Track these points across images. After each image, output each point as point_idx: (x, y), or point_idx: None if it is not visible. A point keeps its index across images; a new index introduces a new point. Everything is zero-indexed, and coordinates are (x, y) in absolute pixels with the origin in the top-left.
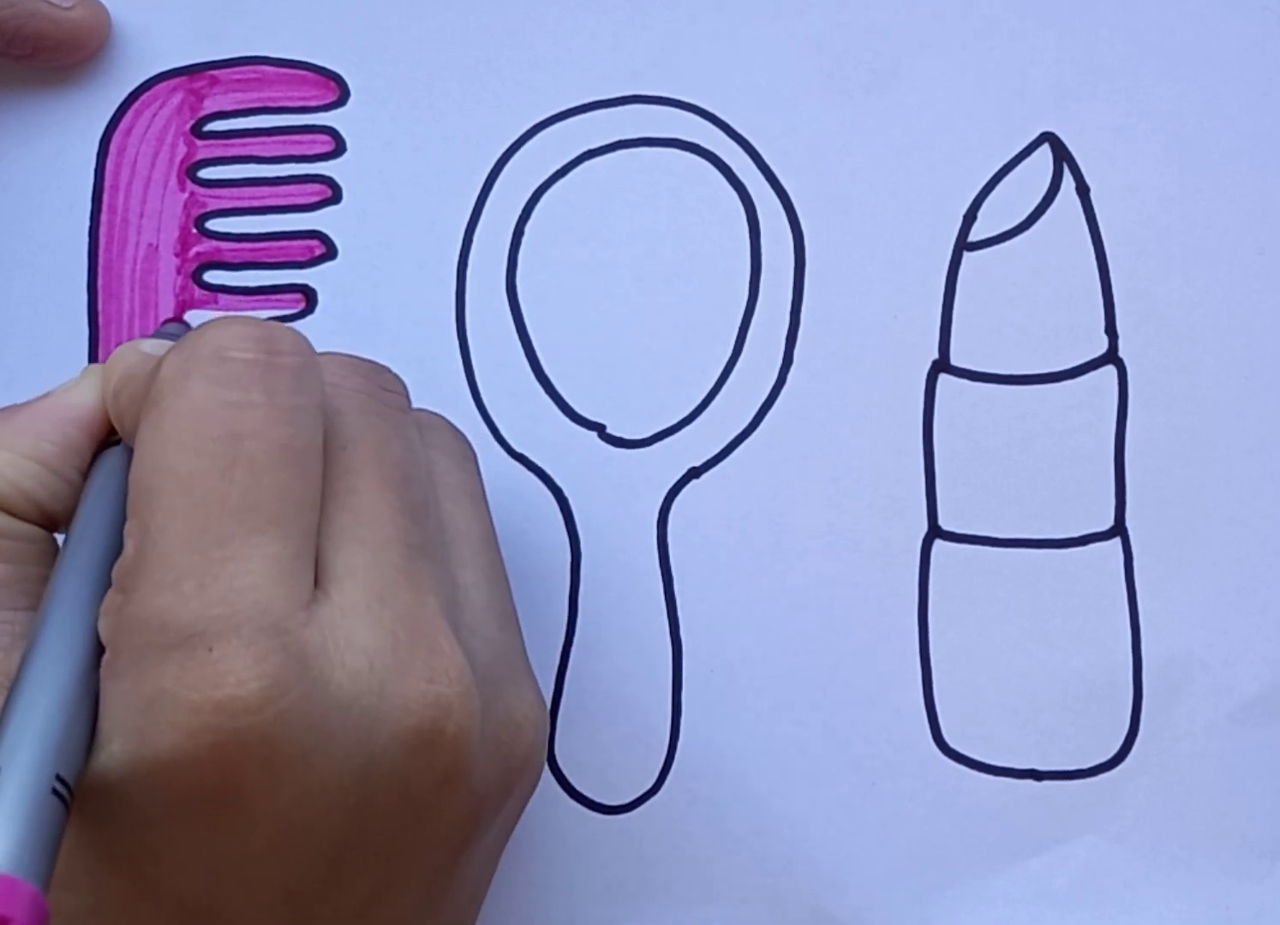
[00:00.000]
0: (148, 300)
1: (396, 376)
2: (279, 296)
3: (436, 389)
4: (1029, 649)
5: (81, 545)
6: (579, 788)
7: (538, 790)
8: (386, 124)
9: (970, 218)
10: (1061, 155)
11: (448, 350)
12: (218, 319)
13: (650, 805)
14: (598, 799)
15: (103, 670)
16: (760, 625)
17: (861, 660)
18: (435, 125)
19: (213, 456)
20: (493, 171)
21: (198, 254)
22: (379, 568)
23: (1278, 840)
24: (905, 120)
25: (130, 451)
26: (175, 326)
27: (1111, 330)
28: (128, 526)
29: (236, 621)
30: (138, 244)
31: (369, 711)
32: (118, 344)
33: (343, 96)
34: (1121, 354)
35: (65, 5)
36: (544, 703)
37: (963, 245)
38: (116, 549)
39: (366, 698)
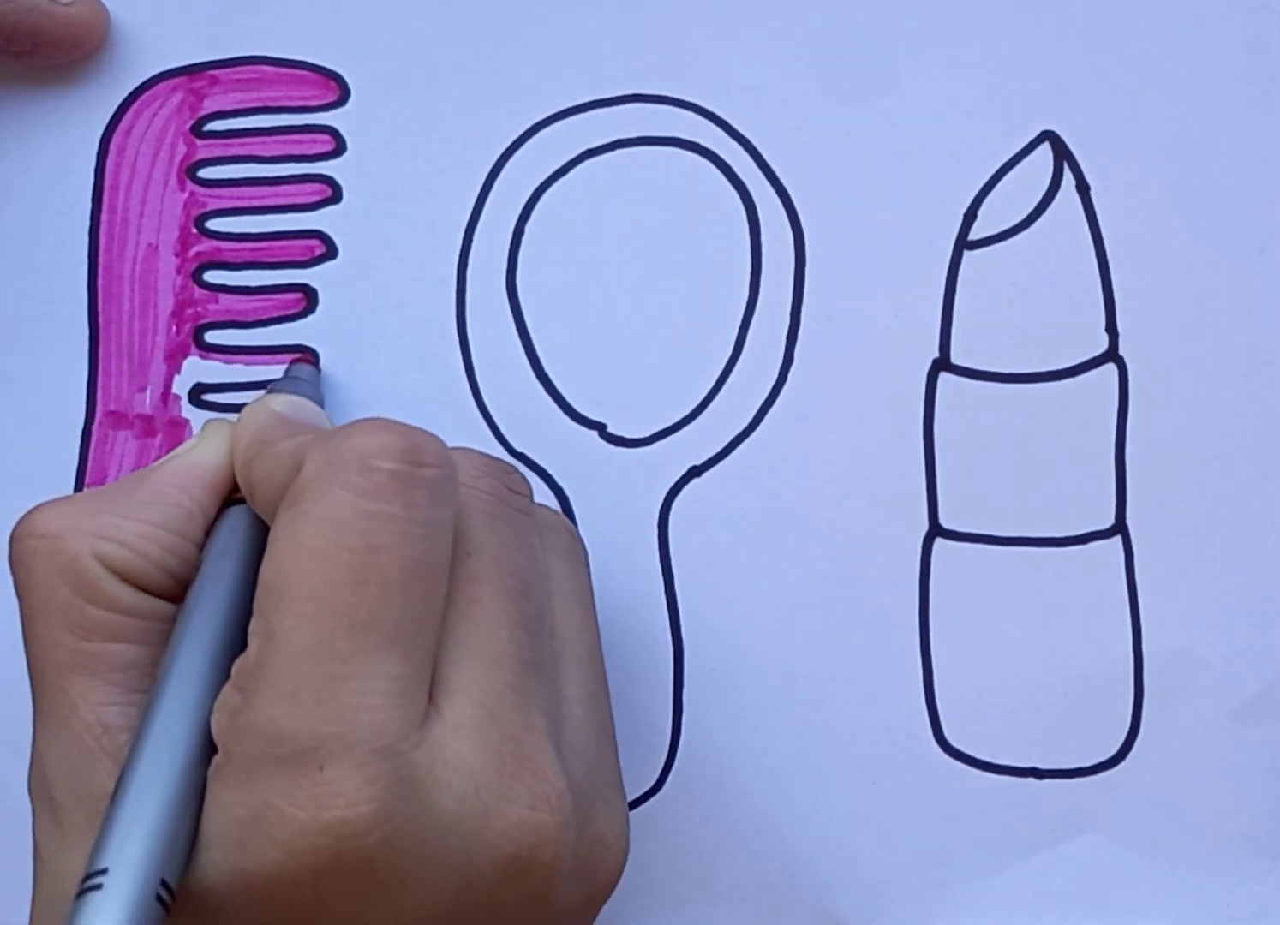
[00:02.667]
0: (148, 300)
1: (524, 478)
2: (279, 296)
3: (437, 389)
4: (1030, 647)
5: (200, 620)
6: None
7: None
8: (386, 124)
9: (970, 216)
10: (1062, 153)
11: (448, 349)
12: (365, 423)
13: (651, 804)
14: None
15: (211, 771)
16: (761, 624)
17: (862, 659)
18: (435, 125)
19: (347, 568)
20: (493, 171)
21: (198, 254)
22: (491, 684)
23: (1278, 839)
24: (905, 119)
25: (253, 514)
26: (304, 369)
27: (1112, 328)
28: (253, 625)
29: (350, 741)
30: (138, 244)
31: (470, 835)
32: (118, 344)
33: (343, 96)
34: (1122, 352)
35: (64, 2)
36: (628, 818)
37: (963, 244)
38: (234, 629)
39: (469, 821)
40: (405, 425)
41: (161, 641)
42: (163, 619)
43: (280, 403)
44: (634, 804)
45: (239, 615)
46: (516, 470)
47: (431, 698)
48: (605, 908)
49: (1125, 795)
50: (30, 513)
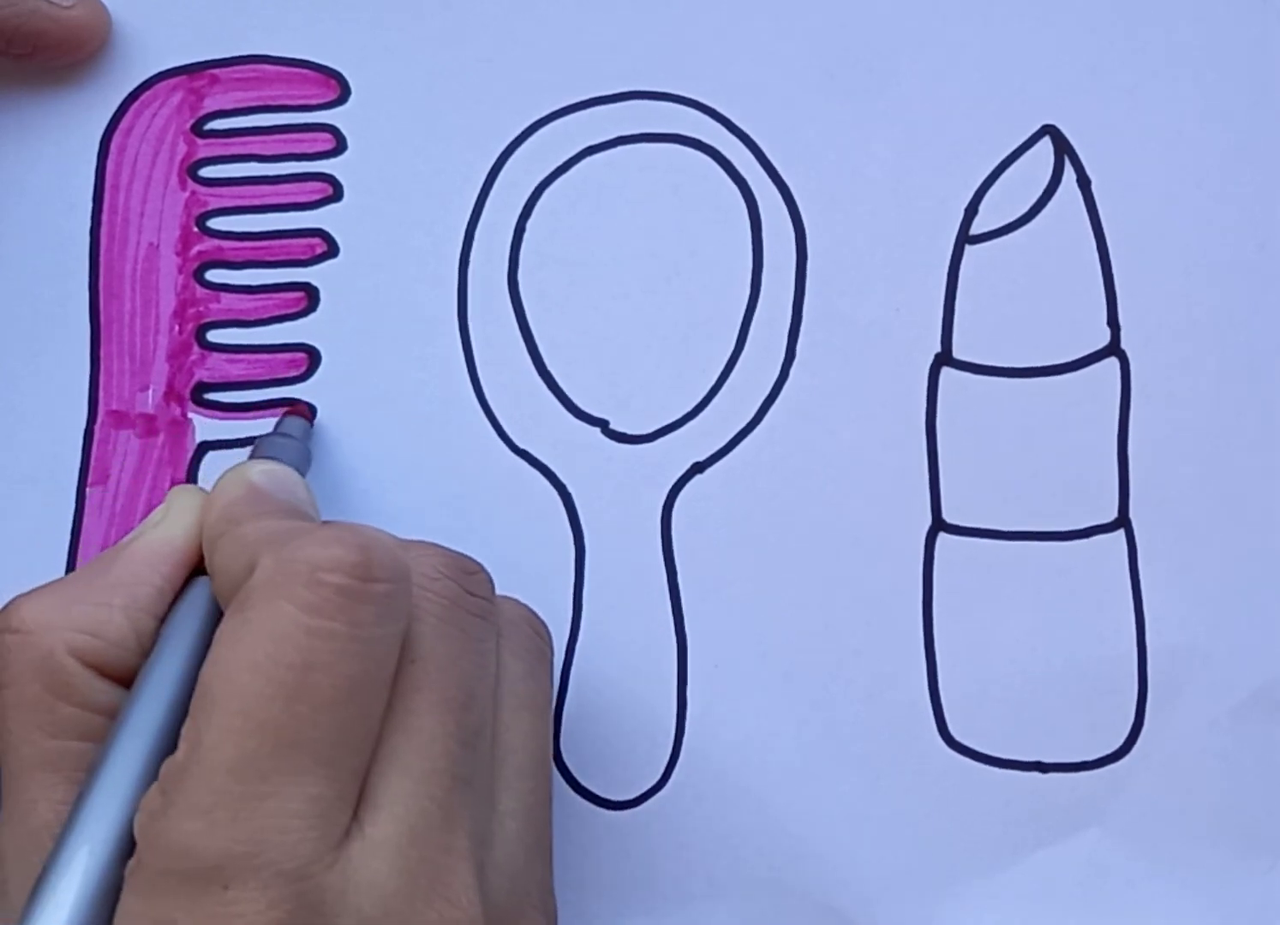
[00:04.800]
0: (149, 300)
1: (487, 577)
2: (281, 295)
3: (439, 387)
4: (1033, 642)
5: (143, 708)
6: (585, 784)
7: None
8: (387, 122)
9: (972, 211)
10: (1063, 148)
11: (450, 347)
12: (320, 532)
13: (656, 801)
14: (603, 795)
15: (127, 872)
16: (764, 620)
17: (866, 654)
18: (436, 123)
19: (280, 685)
20: (493, 168)
21: (199, 253)
22: (418, 800)
23: (1278, 838)
24: (906, 114)
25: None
26: (295, 424)
27: (1114, 322)
28: (186, 727)
29: (258, 862)
30: (139, 243)
31: None
32: (120, 344)
33: (343, 95)
34: (1124, 346)
35: (65, 4)
36: None
37: (965, 238)
38: (177, 718)
39: None
40: (361, 534)
41: None
42: None
43: (258, 472)
44: (638, 800)
45: (183, 702)
46: (480, 569)
47: (357, 811)
48: (607, 905)
49: (1129, 789)
50: (11, 604)
